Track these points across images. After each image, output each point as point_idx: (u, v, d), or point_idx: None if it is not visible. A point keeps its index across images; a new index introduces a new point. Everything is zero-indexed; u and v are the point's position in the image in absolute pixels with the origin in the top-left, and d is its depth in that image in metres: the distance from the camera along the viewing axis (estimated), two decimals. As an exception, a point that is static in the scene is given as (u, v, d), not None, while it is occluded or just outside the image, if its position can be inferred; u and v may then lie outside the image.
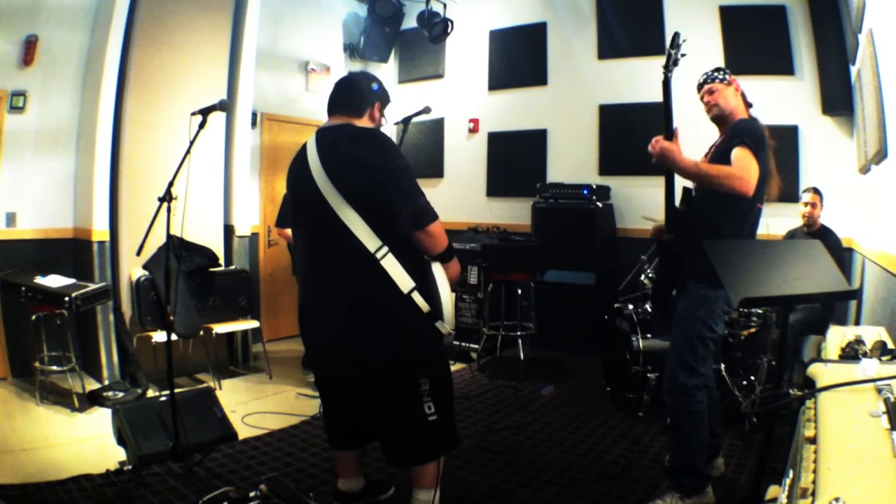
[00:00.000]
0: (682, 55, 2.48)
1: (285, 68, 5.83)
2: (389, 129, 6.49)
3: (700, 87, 2.65)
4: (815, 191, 4.18)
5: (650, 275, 3.94)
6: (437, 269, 2.21)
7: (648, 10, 5.25)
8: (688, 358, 2.46)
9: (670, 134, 2.44)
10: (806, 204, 4.17)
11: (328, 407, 2.48)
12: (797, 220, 4.33)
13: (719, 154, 2.45)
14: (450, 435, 2.32)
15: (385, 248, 2.06)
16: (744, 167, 2.27)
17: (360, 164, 2.05)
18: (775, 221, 4.30)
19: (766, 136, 2.42)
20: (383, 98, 2.34)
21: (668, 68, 2.47)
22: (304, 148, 2.23)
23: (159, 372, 3.97)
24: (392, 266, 2.06)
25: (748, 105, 2.62)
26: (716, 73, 2.60)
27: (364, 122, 2.25)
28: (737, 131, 2.39)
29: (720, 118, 2.57)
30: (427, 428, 2.19)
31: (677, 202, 2.58)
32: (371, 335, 2.12)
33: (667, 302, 2.68)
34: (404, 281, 2.08)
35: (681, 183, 2.56)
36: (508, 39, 6.15)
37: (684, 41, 2.47)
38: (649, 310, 3.81)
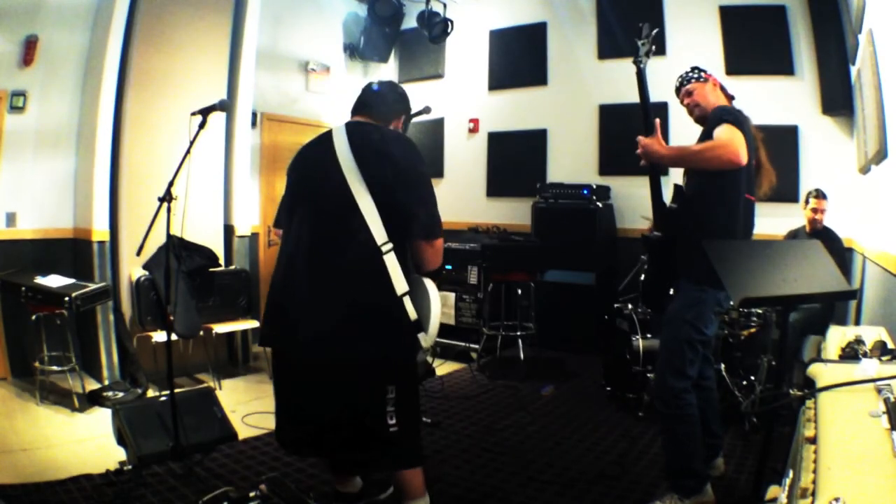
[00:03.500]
0: (654, 46, 2.44)
1: (285, 68, 5.83)
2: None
3: (678, 91, 2.62)
4: (822, 195, 4.14)
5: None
6: (431, 285, 2.20)
7: (648, 10, 5.24)
8: (676, 361, 2.45)
9: (650, 128, 2.38)
10: (815, 210, 4.14)
11: (285, 403, 2.29)
12: (797, 220, 4.33)
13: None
14: (411, 450, 2.22)
15: (390, 244, 2.06)
16: (729, 138, 2.23)
17: (390, 160, 2.10)
18: (775, 222, 4.31)
19: (750, 125, 2.40)
20: (407, 111, 2.45)
21: (640, 59, 2.41)
22: (326, 137, 2.23)
23: (159, 372, 3.97)
24: (392, 264, 2.06)
25: (730, 98, 2.59)
26: (691, 74, 2.58)
27: None
28: (713, 117, 2.39)
29: (703, 118, 2.52)
30: (384, 438, 2.11)
31: (666, 199, 2.55)
32: (361, 329, 2.07)
33: (661, 300, 2.66)
34: (400, 282, 2.07)
35: (670, 180, 2.54)
36: (508, 39, 6.15)
37: (655, 31, 2.44)
38: (649, 310, 3.81)
